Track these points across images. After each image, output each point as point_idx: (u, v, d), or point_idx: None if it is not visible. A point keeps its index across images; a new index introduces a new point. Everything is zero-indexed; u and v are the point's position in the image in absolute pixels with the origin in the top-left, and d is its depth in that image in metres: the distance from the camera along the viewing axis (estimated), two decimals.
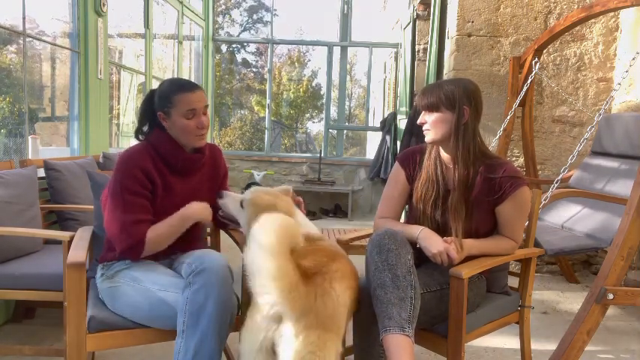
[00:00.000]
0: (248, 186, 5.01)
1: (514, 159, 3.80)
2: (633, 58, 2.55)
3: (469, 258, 1.64)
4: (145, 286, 1.57)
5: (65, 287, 1.58)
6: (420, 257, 1.65)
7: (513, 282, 1.91)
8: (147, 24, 4.74)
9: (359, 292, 1.54)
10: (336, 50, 6.67)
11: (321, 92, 17.07)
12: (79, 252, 1.59)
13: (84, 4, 3.39)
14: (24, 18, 3.03)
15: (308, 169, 6.46)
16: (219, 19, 16.84)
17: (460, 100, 1.65)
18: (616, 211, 2.68)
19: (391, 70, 7.86)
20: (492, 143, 3.43)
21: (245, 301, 1.62)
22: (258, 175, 6.27)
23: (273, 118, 13.45)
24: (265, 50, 14.77)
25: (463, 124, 1.66)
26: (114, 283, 1.62)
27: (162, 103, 1.67)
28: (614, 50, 3.72)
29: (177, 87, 1.67)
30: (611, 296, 1.82)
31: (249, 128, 16.89)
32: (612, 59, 3.73)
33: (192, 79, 4.90)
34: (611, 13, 3.64)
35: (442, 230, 1.70)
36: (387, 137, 5.96)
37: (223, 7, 17.26)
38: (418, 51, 5.41)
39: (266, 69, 7.78)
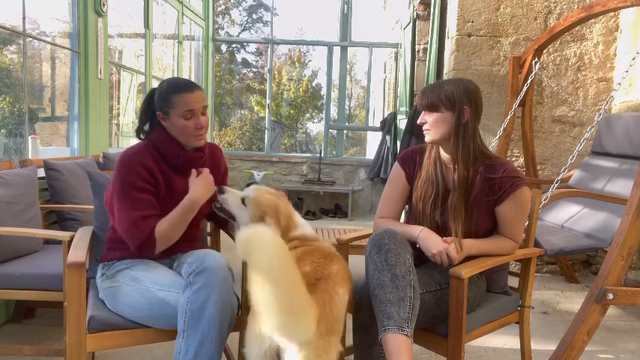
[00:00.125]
0: (248, 186, 4.99)
1: (514, 159, 3.80)
2: (633, 58, 2.55)
3: (469, 258, 1.64)
4: (145, 286, 1.57)
5: (65, 287, 1.58)
6: (420, 257, 1.65)
7: (513, 282, 1.91)
8: (147, 24, 4.74)
9: (358, 292, 1.54)
10: (336, 50, 6.67)
11: (321, 92, 17.08)
12: (79, 252, 1.59)
13: (84, 4, 3.39)
14: (24, 18, 3.04)
15: (308, 169, 6.46)
16: (219, 19, 16.84)
17: (460, 100, 1.65)
18: (616, 211, 2.69)
19: (391, 70, 7.86)
20: (492, 143, 3.43)
21: (245, 302, 1.62)
22: (258, 175, 6.27)
23: (273, 118, 13.47)
24: (265, 50, 14.80)
25: (463, 124, 1.66)
26: (114, 282, 1.62)
27: (161, 103, 1.67)
28: (614, 50, 3.72)
29: (176, 87, 1.66)
30: (611, 296, 1.82)
31: (249, 128, 16.89)
32: (612, 59, 3.73)
33: (192, 79, 4.89)
34: (611, 13, 3.64)
35: (442, 230, 1.70)
36: (387, 137, 5.96)
37: (223, 7, 17.26)
38: (418, 51, 5.40)
39: (266, 69, 7.78)
